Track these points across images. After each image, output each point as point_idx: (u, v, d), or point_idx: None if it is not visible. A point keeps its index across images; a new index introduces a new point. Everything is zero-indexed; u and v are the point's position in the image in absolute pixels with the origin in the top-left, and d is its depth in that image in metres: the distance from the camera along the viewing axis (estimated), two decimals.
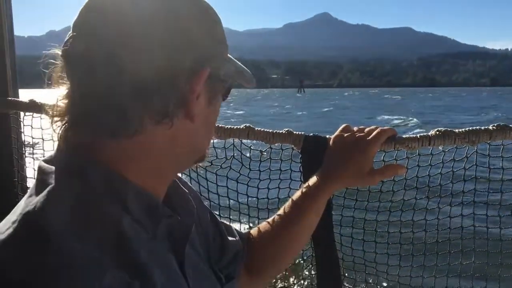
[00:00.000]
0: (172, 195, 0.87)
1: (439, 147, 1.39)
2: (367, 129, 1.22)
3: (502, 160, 1.50)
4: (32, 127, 2.13)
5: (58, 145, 0.74)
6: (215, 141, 1.60)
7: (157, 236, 0.74)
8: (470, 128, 1.33)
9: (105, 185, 0.69)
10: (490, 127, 1.32)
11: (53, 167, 0.71)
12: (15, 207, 0.68)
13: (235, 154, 1.67)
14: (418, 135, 1.34)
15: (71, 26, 0.72)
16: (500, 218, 1.60)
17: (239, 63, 0.85)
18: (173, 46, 0.69)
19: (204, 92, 0.75)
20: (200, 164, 1.61)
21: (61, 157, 0.73)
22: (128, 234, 0.67)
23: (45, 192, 0.66)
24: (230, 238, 1.10)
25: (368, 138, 1.18)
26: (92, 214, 0.65)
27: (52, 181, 0.69)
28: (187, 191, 0.92)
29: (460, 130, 1.33)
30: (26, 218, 0.64)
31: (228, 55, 0.82)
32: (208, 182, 1.78)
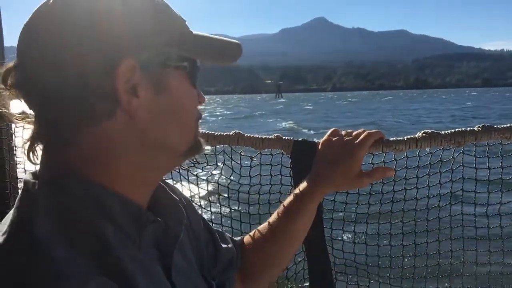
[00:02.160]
0: (160, 202, 0.87)
1: (426, 149, 1.41)
2: (354, 133, 1.24)
3: (488, 159, 1.53)
4: (23, 138, 2.12)
5: (40, 158, 0.77)
6: (206, 148, 1.61)
7: (142, 243, 0.75)
8: (456, 130, 1.36)
9: (87, 196, 0.70)
10: (476, 128, 1.35)
11: (37, 181, 0.72)
12: (4, 219, 0.70)
13: (225, 161, 1.68)
14: (405, 138, 1.36)
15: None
16: (488, 219, 1.63)
17: (217, 40, 0.84)
18: (78, 49, 0.68)
19: (143, 82, 0.72)
20: (192, 170, 1.61)
21: (43, 170, 0.75)
22: (112, 242, 0.68)
23: (31, 204, 0.68)
24: (223, 245, 1.10)
25: (356, 142, 1.20)
26: (76, 223, 0.67)
27: (37, 193, 0.70)
28: (177, 198, 0.92)
29: (446, 131, 1.36)
30: (14, 229, 0.65)
31: (191, 33, 0.81)
32: (199, 188, 1.79)
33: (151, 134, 0.75)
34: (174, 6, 0.79)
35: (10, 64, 0.74)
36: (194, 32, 0.83)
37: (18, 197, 0.72)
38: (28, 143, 0.78)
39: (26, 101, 0.74)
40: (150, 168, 0.79)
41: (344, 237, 1.70)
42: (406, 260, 1.72)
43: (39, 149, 0.78)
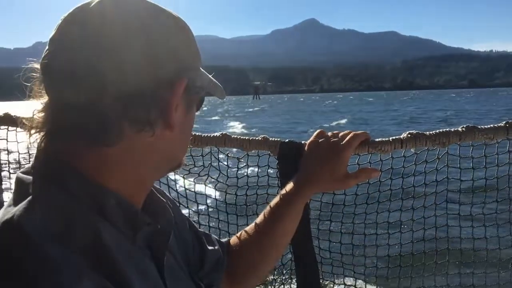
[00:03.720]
0: (149, 203, 0.88)
1: (412, 150, 1.43)
2: (341, 134, 1.25)
3: (472, 160, 1.55)
4: (7, 141, 2.09)
5: (36, 155, 0.75)
6: (193, 149, 1.60)
7: (136, 243, 0.76)
8: (441, 130, 1.37)
9: (84, 193, 0.70)
10: (460, 129, 1.36)
11: (31, 177, 0.71)
12: None
13: (212, 162, 1.67)
14: (390, 138, 1.37)
15: (48, 41, 0.73)
16: (472, 217, 1.65)
17: (210, 76, 0.88)
18: (155, 57, 0.72)
19: (181, 102, 0.78)
20: (179, 172, 1.61)
21: (40, 166, 0.73)
22: (107, 240, 0.67)
23: (24, 201, 0.67)
24: (209, 247, 1.10)
25: (342, 143, 1.20)
26: (71, 221, 0.66)
27: (31, 190, 0.69)
28: (164, 200, 0.93)
29: (431, 132, 1.37)
30: (5, 226, 0.64)
31: (201, 68, 0.85)
32: (187, 190, 1.78)
33: (170, 149, 0.82)
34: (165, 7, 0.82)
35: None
36: None
37: (11, 196, 0.71)
38: (40, 135, 0.75)
39: (64, 84, 0.70)
40: (153, 176, 0.85)
41: (331, 237, 1.71)
42: (391, 259, 1.74)
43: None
